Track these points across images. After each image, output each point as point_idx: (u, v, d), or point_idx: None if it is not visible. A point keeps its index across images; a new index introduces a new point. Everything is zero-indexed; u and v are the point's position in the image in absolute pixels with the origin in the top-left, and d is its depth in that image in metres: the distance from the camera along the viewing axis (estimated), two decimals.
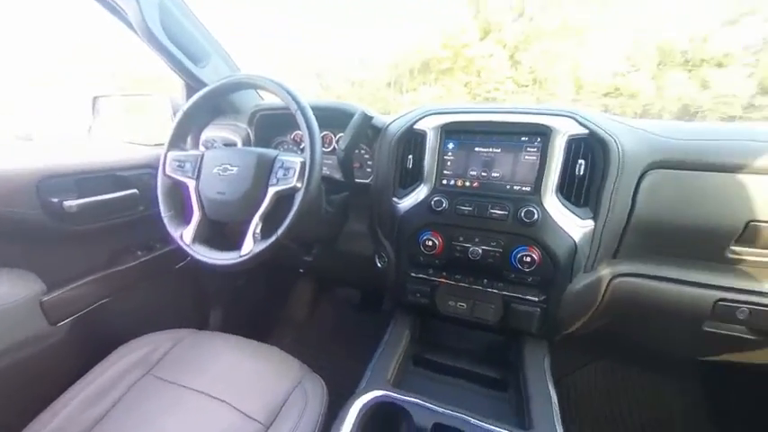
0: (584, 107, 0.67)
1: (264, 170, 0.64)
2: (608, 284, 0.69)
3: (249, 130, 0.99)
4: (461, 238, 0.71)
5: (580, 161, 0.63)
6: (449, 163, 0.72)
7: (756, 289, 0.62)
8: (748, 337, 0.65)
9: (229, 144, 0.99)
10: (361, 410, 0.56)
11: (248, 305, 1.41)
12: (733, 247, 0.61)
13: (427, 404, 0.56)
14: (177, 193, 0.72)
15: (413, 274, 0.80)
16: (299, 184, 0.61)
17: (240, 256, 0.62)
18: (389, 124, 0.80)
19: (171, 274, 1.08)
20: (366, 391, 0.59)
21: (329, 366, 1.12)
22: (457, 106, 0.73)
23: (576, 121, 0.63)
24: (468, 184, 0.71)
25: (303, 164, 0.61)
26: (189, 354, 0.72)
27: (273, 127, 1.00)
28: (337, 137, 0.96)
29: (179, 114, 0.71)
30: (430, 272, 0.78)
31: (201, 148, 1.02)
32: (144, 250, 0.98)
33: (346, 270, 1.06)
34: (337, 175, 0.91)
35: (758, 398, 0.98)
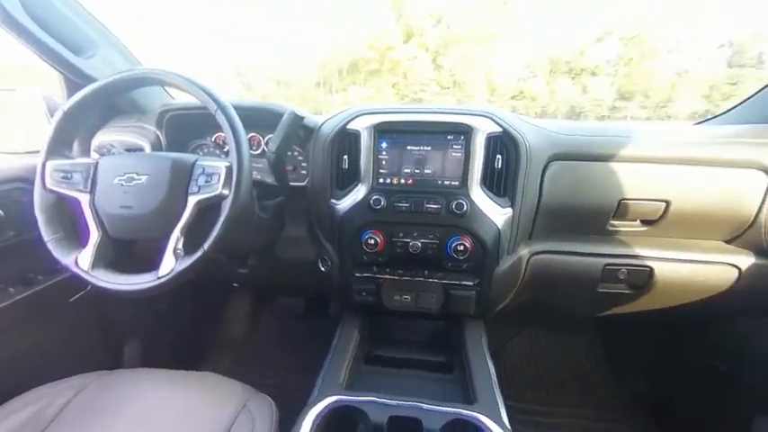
0: (497, 108, 0.75)
1: (182, 177, 0.57)
2: (527, 262, 0.79)
3: (159, 133, 0.87)
4: (401, 234, 0.74)
5: (498, 156, 0.71)
6: (384, 162, 0.74)
7: (630, 253, 0.78)
8: (627, 292, 0.82)
9: (134, 149, 0.85)
10: (315, 420, 0.54)
11: (174, 332, 1.24)
12: (612, 222, 0.76)
13: (381, 400, 0.57)
14: (64, 210, 0.60)
15: (357, 274, 0.80)
16: (225, 191, 0.56)
17: (158, 278, 0.54)
18: (322, 124, 0.78)
19: (65, 309, 0.88)
20: (319, 399, 0.57)
21: (277, 383, 1.06)
22: (388, 107, 0.75)
23: (493, 120, 0.70)
24: (403, 181, 0.74)
25: (229, 168, 0.56)
26: (98, 401, 0.60)
27: (189, 129, 0.90)
28: (266, 138, 0.90)
29: (58, 115, 0.58)
30: (374, 269, 0.79)
31: (94, 155, 0.86)
32: (20, 285, 0.78)
33: (287, 278, 1.01)
34: (269, 179, 0.86)
35: (636, 341, 1.24)
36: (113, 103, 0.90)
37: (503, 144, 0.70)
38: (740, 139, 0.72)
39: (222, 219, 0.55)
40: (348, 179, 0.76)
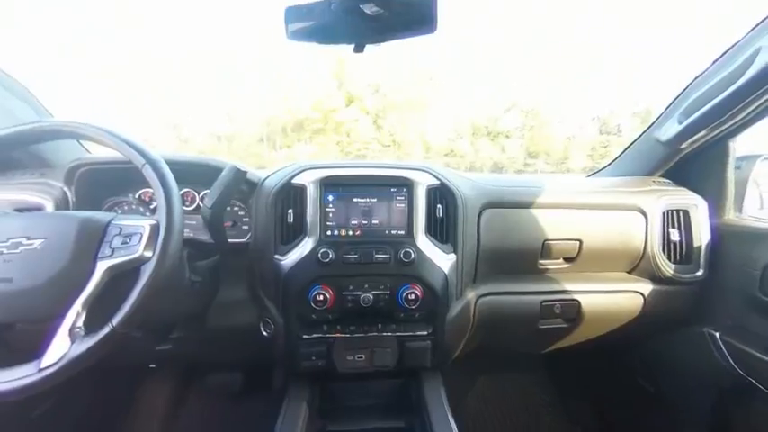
0: (434, 163, 0.84)
1: (91, 240, 0.49)
2: (475, 305, 0.82)
3: (67, 191, 0.76)
4: (351, 287, 0.72)
5: (438, 206, 0.77)
6: (331, 214, 0.74)
7: (560, 288, 0.86)
8: (563, 325, 0.89)
9: (29, 209, 0.72)
10: None
11: None
12: (540, 261, 0.85)
13: None
14: None
15: (305, 336, 0.74)
16: (147, 253, 0.49)
17: (41, 370, 0.43)
18: (266, 179, 0.77)
19: None
20: None
21: None
22: (333, 162, 0.78)
23: (431, 174, 0.77)
24: (351, 233, 0.74)
25: (154, 227, 0.51)
26: None
27: (106, 185, 0.81)
28: (201, 194, 0.85)
29: None
30: (324, 329, 0.75)
31: None
32: None
33: (222, 349, 0.88)
34: (203, 237, 0.79)
35: (577, 371, 1.32)
36: (4, 157, 0.77)
37: (442, 195, 0.77)
38: (621, 188, 0.90)
39: (140, 285, 0.47)
40: (293, 233, 0.74)
